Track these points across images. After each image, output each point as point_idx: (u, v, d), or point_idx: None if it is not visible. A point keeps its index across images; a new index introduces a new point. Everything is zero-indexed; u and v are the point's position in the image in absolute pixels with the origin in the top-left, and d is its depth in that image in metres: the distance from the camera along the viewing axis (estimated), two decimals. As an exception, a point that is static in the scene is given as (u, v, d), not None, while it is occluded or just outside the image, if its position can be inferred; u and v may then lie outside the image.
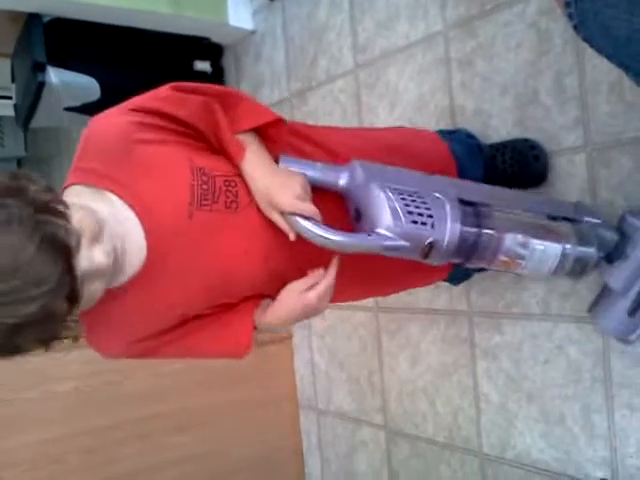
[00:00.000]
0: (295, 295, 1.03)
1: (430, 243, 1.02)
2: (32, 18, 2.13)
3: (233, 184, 1.02)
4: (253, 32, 2.40)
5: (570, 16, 0.83)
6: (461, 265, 1.15)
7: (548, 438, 1.60)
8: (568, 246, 1.14)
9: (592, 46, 0.85)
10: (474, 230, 1.07)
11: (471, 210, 1.09)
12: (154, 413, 2.07)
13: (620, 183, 1.40)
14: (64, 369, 1.94)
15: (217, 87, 1.06)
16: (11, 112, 2.50)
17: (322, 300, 1.03)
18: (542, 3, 1.50)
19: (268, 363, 2.32)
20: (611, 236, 1.22)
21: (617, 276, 1.23)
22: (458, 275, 1.58)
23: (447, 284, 1.68)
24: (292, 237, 1.00)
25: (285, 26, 2.27)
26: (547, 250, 1.13)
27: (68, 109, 2.32)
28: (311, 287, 1.02)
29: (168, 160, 0.99)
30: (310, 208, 0.99)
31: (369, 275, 1.26)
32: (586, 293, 1.47)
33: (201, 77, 2.46)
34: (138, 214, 0.94)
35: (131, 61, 2.35)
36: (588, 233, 1.19)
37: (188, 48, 2.43)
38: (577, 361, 1.51)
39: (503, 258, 1.11)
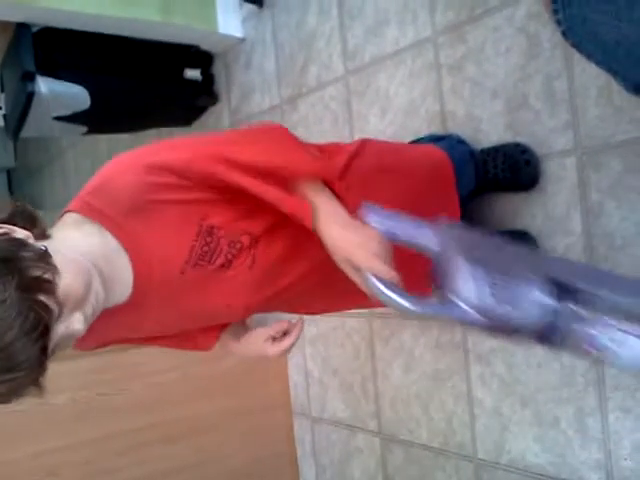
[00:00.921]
0: (259, 341, 1.10)
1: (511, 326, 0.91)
2: (21, 28, 2.12)
3: (238, 245, 0.99)
4: (243, 40, 2.40)
5: (558, 22, 0.83)
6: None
7: (542, 442, 1.60)
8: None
9: (581, 52, 0.85)
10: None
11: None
12: (149, 423, 2.06)
13: (610, 186, 1.41)
14: (57, 381, 1.90)
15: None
16: (1, 122, 2.49)
17: (281, 355, 1.10)
18: (531, 7, 1.51)
19: (261, 371, 2.31)
20: None
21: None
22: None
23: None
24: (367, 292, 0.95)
25: (275, 33, 2.27)
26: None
27: (58, 118, 2.32)
28: (275, 339, 1.09)
29: (177, 220, 0.96)
30: (388, 271, 0.92)
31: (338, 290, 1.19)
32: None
33: (191, 85, 2.46)
34: (131, 259, 0.92)
35: (121, 69, 2.34)
36: None
37: (178, 56, 2.43)
38: (571, 365, 1.52)
39: (590, 349, 0.92)
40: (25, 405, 1.81)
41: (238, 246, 0.99)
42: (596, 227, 1.44)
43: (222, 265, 0.99)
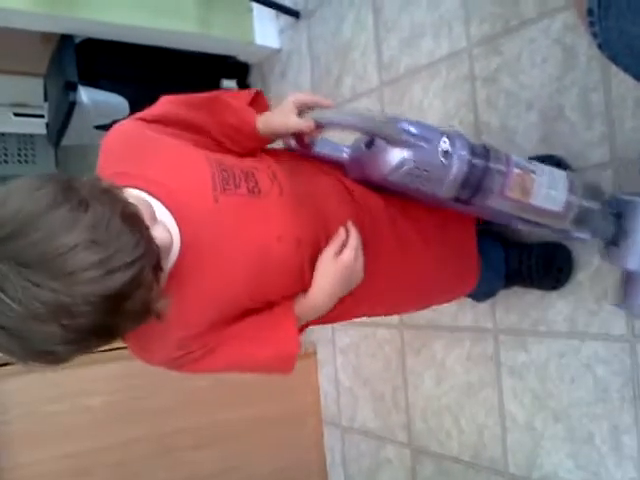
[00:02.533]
0: (329, 260, 1.06)
1: (445, 142, 1.06)
2: (64, 39, 2.18)
3: (251, 174, 1.05)
4: (279, 50, 2.43)
5: (594, 35, 0.83)
6: (475, 196, 1.11)
7: (576, 458, 1.57)
8: (571, 178, 1.16)
9: (617, 64, 0.85)
10: (482, 148, 1.12)
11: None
12: (179, 428, 2.08)
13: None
14: (91, 384, 1.97)
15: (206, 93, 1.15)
16: (43, 130, 2.56)
17: (357, 256, 1.08)
18: (567, 19, 1.50)
19: (292, 379, 2.29)
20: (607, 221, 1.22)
21: (628, 256, 1.20)
22: (483, 291, 1.57)
23: (472, 301, 1.67)
24: (316, 130, 1.11)
25: (310, 45, 2.30)
26: (554, 173, 1.14)
27: (98, 127, 2.37)
28: (342, 248, 1.07)
29: (184, 152, 1.04)
30: (314, 96, 1.13)
31: (394, 287, 1.27)
32: (612, 309, 1.45)
33: (228, 95, 2.49)
34: (169, 207, 0.96)
35: (159, 80, 2.39)
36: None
37: (215, 67, 2.47)
38: (605, 380, 1.49)
39: (517, 171, 1.10)
40: (59, 406, 1.87)
41: (252, 175, 1.05)
42: (633, 241, 1.41)
43: (252, 191, 1.03)
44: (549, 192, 1.13)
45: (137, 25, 2.14)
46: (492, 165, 1.10)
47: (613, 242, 1.22)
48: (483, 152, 1.11)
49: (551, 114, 1.55)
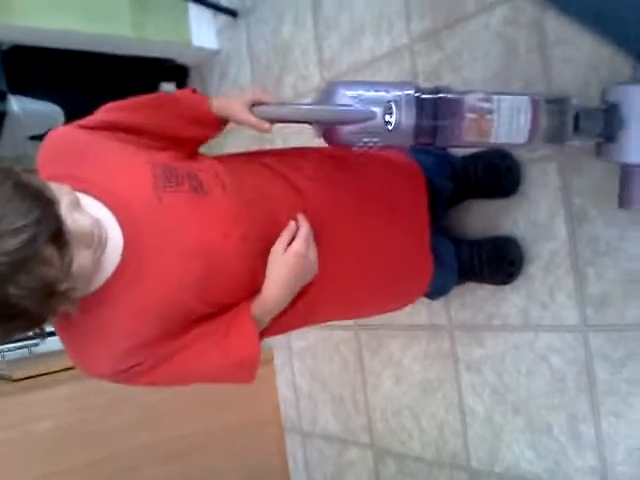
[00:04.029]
0: (280, 255, 1.04)
1: (389, 102, 1.02)
2: (-10, 46, 2.08)
3: (194, 175, 1.04)
4: (218, 52, 2.38)
5: None
6: (432, 145, 1.09)
7: (536, 449, 1.58)
8: (536, 97, 1.07)
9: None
10: (431, 90, 1.06)
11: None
12: (138, 445, 2.01)
13: (593, 191, 1.39)
14: (41, 408, 1.89)
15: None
16: (-27, 143, 2.44)
17: (308, 246, 1.06)
18: (506, 12, 1.50)
19: (250, 386, 2.26)
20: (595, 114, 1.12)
21: (630, 148, 1.10)
22: (436, 289, 1.56)
23: (426, 299, 1.66)
24: (268, 128, 1.09)
25: (250, 44, 2.25)
26: (515, 102, 1.06)
27: (33, 137, 2.28)
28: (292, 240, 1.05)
29: (125, 155, 1.02)
30: (264, 94, 1.11)
31: (350, 291, 1.25)
32: (564, 300, 1.46)
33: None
34: (111, 207, 0.94)
35: (95, 86, 2.31)
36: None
37: (153, 70, 2.40)
38: (561, 370, 1.50)
39: (471, 116, 1.05)
40: (7, 435, 1.79)
41: (195, 175, 1.04)
42: (580, 232, 1.42)
43: (195, 189, 1.01)
44: (510, 128, 1.07)
45: (68, 30, 2.05)
46: (441, 123, 1.06)
47: (608, 138, 1.12)
48: (431, 108, 1.05)
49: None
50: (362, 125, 1.03)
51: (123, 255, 0.93)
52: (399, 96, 1.04)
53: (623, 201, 1.17)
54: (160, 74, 2.41)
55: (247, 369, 1.04)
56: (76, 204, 0.85)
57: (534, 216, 1.50)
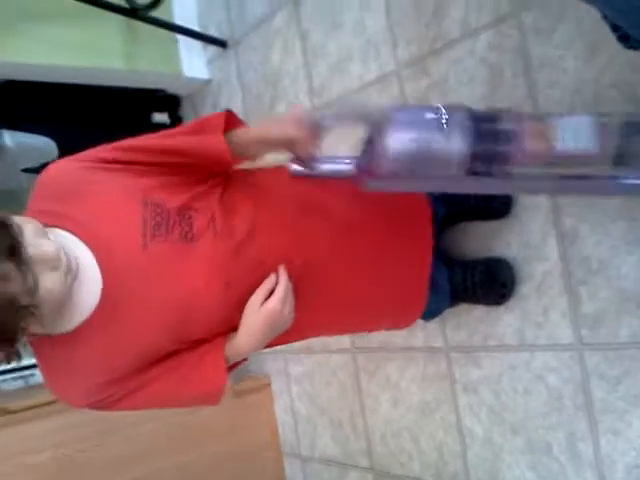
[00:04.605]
0: (256, 308, 1.04)
1: (443, 115, 0.97)
2: (-17, 83, 2.10)
3: (187, 217, 1.02)
4: (209, 81, 2.40)
5: None
6: (492, 164, 0.98)
7: (536, 469, 1.58)
8: (602, 121, 0.96)
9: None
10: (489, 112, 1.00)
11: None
12: (133, 477, 2.00)
13: (583, 211, 1.41)
14: (37, 439, 1.88)
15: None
16: (-33, 177, 2.45)
17: (285, 303, 1.05)
18: (491, 38, 1.53)
19: (248, 412, 2.27)
20: None
21: None
22: (430, 312, 1.57)
23: (421, 321, 1.67)
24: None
25: (240, 74, 2.28)
26: (574, 118, 0.96)
27: (26, 170, 2.29)
28: (269, 296, 1.05)
29: (119, 196, 1.01)
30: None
31: (342, 303, 1.25)
32: (559, 320, 1.48)
33: (160, 129, 2.44)
34: (94, 251, 0.95)
35: (87, 118, 2.33)
36: None
37: (144, 101, 2.42)
38: (557, 389, 1.51)
39: (531, 123, 0.97)
40: (3, 467, 1.77)
41: (188, 216, 1.02)
42: (572, 252, 1.44)
43: (184, 236, 1.00)
44: (576, 131, 0.96)
45: (59, 65, 2.08)
46: (501, 126, 0.98)
47: None
48: (489, 116, 1.00)
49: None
50: (415, 131, 0.98)
51: (101, 297, 0.94)
52: (453, 108, 0.99)
53: None
54: (152, 104, 2.44)
55: (214, 398, 1.08)
56: (41, 232, 0.86)
57: (526, 237, 1.52)
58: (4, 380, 2.41)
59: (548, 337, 1.51)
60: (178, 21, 2.29)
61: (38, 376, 2.42)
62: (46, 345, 0.96)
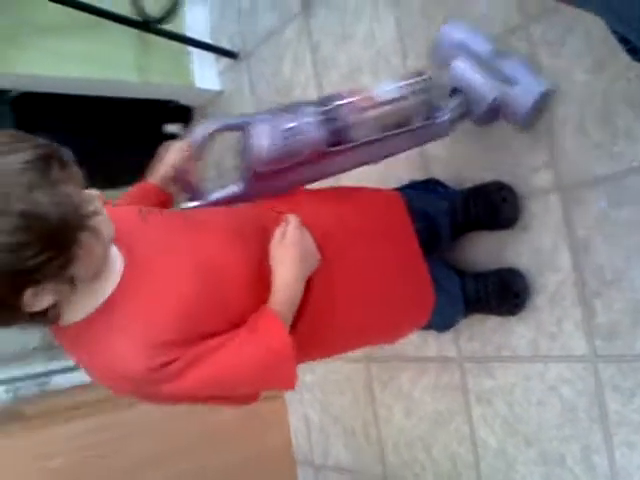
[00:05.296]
0: (278, 246, 1.09)
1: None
2: (-1, 95, 2.13)
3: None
4: (221, 92, 2.42)
5: None
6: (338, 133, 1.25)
7: (550, 481, 1.58)
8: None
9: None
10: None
11: None
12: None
13: (595, 221, 1.41)
14: (51, 445, 1.89)
15: None
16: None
17: (302, 231, 1.11)
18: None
19: (261, 421, 2.27)
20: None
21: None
22: (443, 322, 1.58)
23: (434, 332, 1.67)
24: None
25: (252, 85, 2.29)
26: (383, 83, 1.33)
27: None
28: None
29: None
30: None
31: (359, 292, 1.26)
32: (573, 331, 1.47)
33: (172, 140, 2.46)
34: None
35: (100, 130, 2.34)
36: None
37: (157, 112, 2.44)
38: (571, 401, 1.50)
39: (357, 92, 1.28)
40: (20, 471, 1.79)
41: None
42: (585, 263, 1.44)
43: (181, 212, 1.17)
44: (387, 85, 1.31)
45: (72, 77, 2.10)
46: (335, 101, 1.26)
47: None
48: (325, 99, 1.28)
49: (497, 143, 1.57)
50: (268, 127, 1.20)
51: (125, 268, 0.96)
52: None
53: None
54: (164, 116, 2.45)
55: (282, 359, 1.01)
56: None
57: (538, 247, 1.52)
58: (21, 386, 2.43)
59: (562, 348, 1.50)
60: (190, 33, 2.30)
61: (54, 382, 2.44)
62: (79, 332, 0.94)
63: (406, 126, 1.32)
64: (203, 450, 2.13)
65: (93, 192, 0.88)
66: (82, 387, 2.01)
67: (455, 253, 1.66)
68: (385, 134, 1.30)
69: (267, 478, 2.28)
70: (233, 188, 1.29)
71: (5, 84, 2.08)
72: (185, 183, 1.29)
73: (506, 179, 1.54)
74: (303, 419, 2.30)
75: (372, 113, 1.27)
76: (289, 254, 1.08)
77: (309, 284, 1.13)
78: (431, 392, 1.83)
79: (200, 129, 1.24)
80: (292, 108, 1.25)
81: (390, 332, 1.46)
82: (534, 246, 1.52)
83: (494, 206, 1.52)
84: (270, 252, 1.09)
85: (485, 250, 1.62)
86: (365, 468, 2.10)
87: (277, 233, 1.10)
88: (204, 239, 1.06)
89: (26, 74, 2.01)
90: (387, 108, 1.29)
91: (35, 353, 2.64)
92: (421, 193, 1.56)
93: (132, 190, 1.32)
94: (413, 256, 1.40)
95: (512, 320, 1.58)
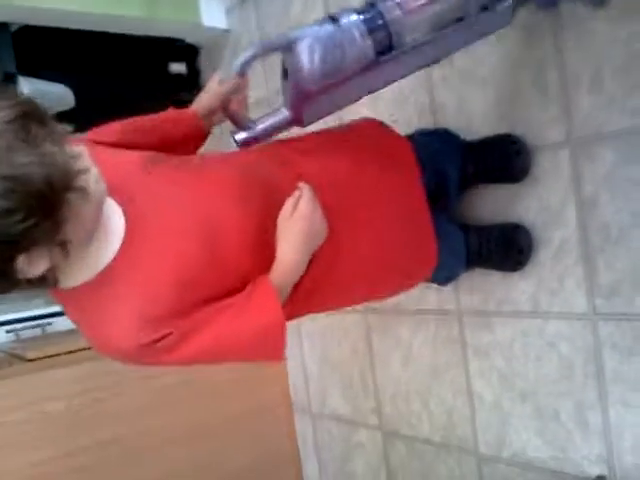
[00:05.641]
0: (287, 218, 1.06)
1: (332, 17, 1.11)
2: (-1, 28, 2.07)
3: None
4: (228, 31, 2.35)
5: None
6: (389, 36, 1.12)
7: (543, 435, 1.58)
8: None
9: None
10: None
11: None
12: (147, 428, 2.03)
13: (604, 177, 1.37)
14: (52, 388, 1.92)
15: None
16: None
17: (315, 207, 1.07)
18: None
19: (260, 370, 2.28)
20: None
21: None
22: (445, 275, 1.56)
23: (435, 285, 1.65)
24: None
25: (260, 24, 2.22)
26: None
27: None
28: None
29: (116, 153, 1.07)
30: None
31: (350, 279, 1.24)
32: (574, 288, 1.45)
33: (177, 79, 2.41)
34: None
35: (104, 67, 2.29)
36: None
37: (162, 50, 2.38)
38: (569, 357, 1.49)
39: None
40: (21, 414, 1.82)
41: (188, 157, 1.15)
42: (591, 219, 1.40)
43: (184, 160, 1.10)
44: None
45: (77, 10, 2.04)
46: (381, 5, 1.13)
47: None
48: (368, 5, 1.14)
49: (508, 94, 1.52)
50: (315, 37, 1.09)
51: (125, 231, 0.94)
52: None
53: None
54: (170, 54, 2.39)
55: (273, 335, 1.01)
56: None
57: (545, 203, 1.48)
58: (23, 328, 2.45)
59: (562, 305, 1.48)
60: (197, -32, 2.22)
61: (55, 324, 2.46)
62: (79, 297, 0.93)
63: (462, 20, 1.16)
64: (201, 399, 2.15)
65: (78, 149, 0.84)
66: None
67: (460, 205, 1.62)
68: (439, 33, 1.15)
69: (265, 427, 2.30)
70: (283, 113, 1.18)
71: (4, 17, 2.03)
72: (232, 114, 1.21)
73: (518, 131, 1.50)
74: (301, 369, 2.31)
75: (423, 11, 1.13)
76: (297, 228, 1.05)
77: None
78: (429, 344, 1.83)
79: (242, 56, 1.14)
80: (335, 18, 1.13)
81: (391, 287, 1.44)
82: (541, 201, 1.49)
83: (507, 159, 1.48)
84: (279, 223, 1.07)
85: (491, 203, 1.59)
86: (362, 417, 2.11)
87: (288, 204, 1.07)
88: (208, 194, 1.03)
89: (27, 6, 1.95)
90: (439, 3, 1.13)
91: (36, 295, 2.66)
92: (431, 143, 1.51)
93: (165, 113, 1.25)
94: (419, 211, 1.36)
95: (514, 275, 1.56)
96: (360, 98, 1.23)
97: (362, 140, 1.38)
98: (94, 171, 0.86)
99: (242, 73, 1.14)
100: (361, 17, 1.11)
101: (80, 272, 0.92)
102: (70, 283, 0.92)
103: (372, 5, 1.13)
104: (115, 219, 0.95)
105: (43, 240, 0.80)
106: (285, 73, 1.15)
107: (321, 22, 1.12)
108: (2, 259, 0.78)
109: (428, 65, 1.28)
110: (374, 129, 1.42)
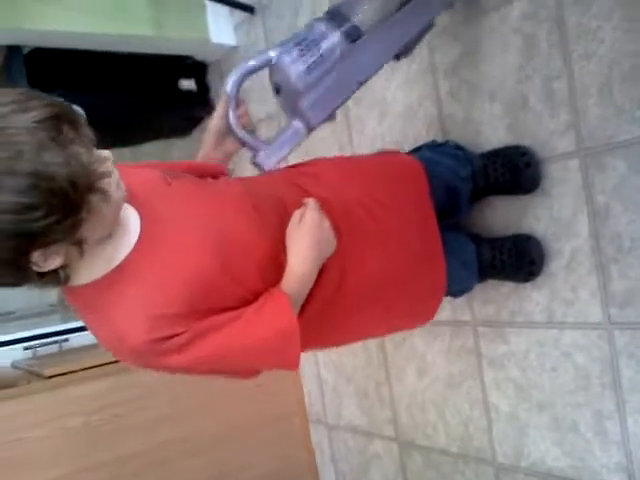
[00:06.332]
0: (295, 227, 1.08)
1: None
2: (12, 50, 2.10)
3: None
4: (236, 47, 2.37)
5: None
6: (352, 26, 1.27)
7: (562, 446, 1.58)
8: None
9: None
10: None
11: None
12: (166, 440, 2.05)
13: (616, 188, 1.37)
14: (71, 405, 1.94)
15: None
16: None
17: (321, 217, 1.09)
18: (525, 7, 1.47)
19: (275, 380, 2.29)
20: None
21: None
22: (458, 288, 1.56)
23: (448, 297, 1.65)
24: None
25: (268, 40, 2.24)
26: None
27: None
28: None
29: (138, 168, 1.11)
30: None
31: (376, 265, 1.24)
32: (588, 298, 1.45)
33: (187, 96, 2.43)
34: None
35: (115, 85, 2.32)
36: None
37: (172, 68, 2.40)
38: (585, 368, 1.49)
39: None
40: (41, 431, 1.83)
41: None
42: (603, 229, 1.40)
43: (203, 180, 1.14)
44: None
45: (87, 32, 2.06)
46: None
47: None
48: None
49: (515, 104, 1.53)
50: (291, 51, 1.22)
51: (141, 231, 0.96)
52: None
53: None
54: (179, 71, 2.42)
55: (287, 340, 1.01)
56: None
57: (556, 213, 1.48)
58: (39, 345, 2.47)
59: (577, 315, 1.48)
60: (205, -14, 2.25)
61: (72, 341, 2.48)
62: (90, 293, 0.94)
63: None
64: (218, 410, 2.16)
65: (104, 153, 0.86)
66: (99, 346, 2.04)
67: (472, 217, 1.63)
68: (394, 16, 1.31)
69: (281, 438, 2.31)
70: (292, 125, 1.26)
71: (16, 40, 2.06)
72: (242, 139, 1.25)
73: (526, 142, 1.50)
74: (317, 380, 2.32)
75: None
76: (305, 237, 1.07)
77: (322, 267, 1.12)
78: (444, 355, 1.83)
79: (230, 79, 1.23)
80: (303, 30, 1.29)
81: (406, 311, 1.41)
82: (552, 211, 1.49)
83: (517, 171, 1.49)
84: (287, 234, 1.08)
85: (502, 215, 1.59)
86: (377, 428, 2.12)
87: (295, 215, 1.09)
88: (224, 212, 1.04)
89: (39, 29, 1.98)
90: None
91: (53, 312, 2.68)
92: (441, 159, 1.52)
93: (189, 163, 1.26)
94: (430, 234, 1.36)
95: (527, 286, 1.56)
96: (354, 91, 1.32)
97: (371, 160, 1.40)
98: (116, 176, 0.89)
99: (235, 94, 1.22)
100: (327, 21, 1.27)
101: (93, 269, 0.93)
102: (82, 280, 0.93)
103: (335, 9, 1.29)
104: (132, 221, 0.97)
105: (61, 238, 0.81)
106: (277, 89, 1.25)
107: (291, 37, 1.26)
108: (18, 252, 0.79)
109: (398, 57, 1.46)
110: (383, 153, 1.44)
